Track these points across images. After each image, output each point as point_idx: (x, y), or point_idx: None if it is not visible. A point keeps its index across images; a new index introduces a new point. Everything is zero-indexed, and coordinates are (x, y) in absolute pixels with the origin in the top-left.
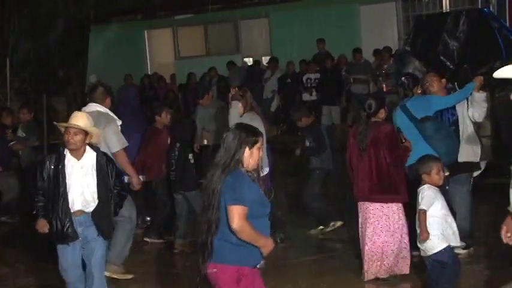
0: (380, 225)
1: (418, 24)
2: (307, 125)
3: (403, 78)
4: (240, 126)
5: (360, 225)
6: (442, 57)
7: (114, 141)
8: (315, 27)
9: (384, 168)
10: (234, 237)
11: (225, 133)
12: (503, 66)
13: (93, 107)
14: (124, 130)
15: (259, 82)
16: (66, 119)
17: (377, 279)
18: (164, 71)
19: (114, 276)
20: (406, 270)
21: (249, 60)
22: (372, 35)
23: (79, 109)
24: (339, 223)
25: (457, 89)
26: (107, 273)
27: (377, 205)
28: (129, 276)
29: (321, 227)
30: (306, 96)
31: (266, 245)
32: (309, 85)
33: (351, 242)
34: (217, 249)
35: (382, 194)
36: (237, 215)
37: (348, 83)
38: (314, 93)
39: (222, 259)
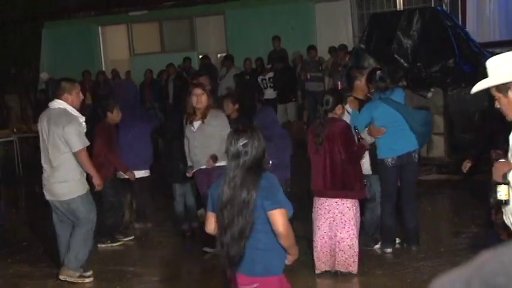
0: (335, 221)
1: (373, 22)
2: (232, 114)
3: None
4: (251, 126)
5: (315, 220)
6: (396, 55)
7: (75, 141)
8: (270, 25)
9: (338, 165)
10: (275, 243)
11: (235, 136)
12: (456, 65)
13: (57, 104)
14: (121, 127)
15: (213, 80)
16: (19, 115)
17: (331, 272)
18: (119, 68)
19: (69, 280)
20: (354, 268)
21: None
22: (326, 32)
23: (31, 106)
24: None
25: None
26: (61, 277)
27: (332, 201)
28: (87, 280)
29: None
30: (268, 93)
31: (296, 249)
32: (265, 85)
33: (304, 238)
34: (254, 260)
35: (336, 190)
36: (283, 218)
37: (303, 80)
38: (272, 90)
39: (264, 271)
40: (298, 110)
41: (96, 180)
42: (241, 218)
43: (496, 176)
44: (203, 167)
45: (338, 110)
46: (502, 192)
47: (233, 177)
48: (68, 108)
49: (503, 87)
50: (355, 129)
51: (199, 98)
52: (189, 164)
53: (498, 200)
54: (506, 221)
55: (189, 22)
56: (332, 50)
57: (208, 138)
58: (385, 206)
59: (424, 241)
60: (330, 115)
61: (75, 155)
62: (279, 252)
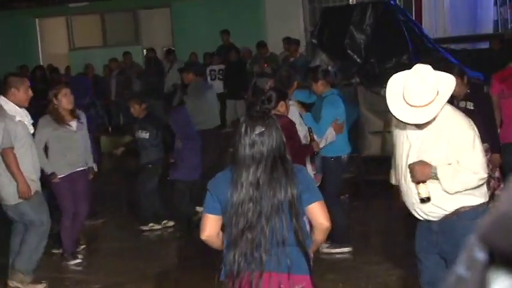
0: None
1: (325, 17)
2: (140, 114)
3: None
4: (266, 112)
5: None
6: (349, 51)
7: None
8: (218, 18)
9: None
10: (310, 241)
11: (250, 124)
12: (410, 61)
13: None
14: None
15: (159, 75)
16: None
17: None
18: (58, 63)
19: (20, 286)
20: None
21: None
22: (277, 26)
23: None
24: (170, 223)
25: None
26: (11, 284)
27: None
28: (39, 286)
29: (151, 223)
30: (214, 86)
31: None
32: (213, 77)
33: None
34: (296, 260)
35: None
36: (325, 210)
37: (253, 76)
38: (221, 84)
39: (305, 269)
40: (248, 108)
41: (22, 188)
42: (277, 222)
43: (420, 176)
44: (82, 168)
45: (281, 107)
46: (423, 191)
47: (253, 173)
48: (4, 105)
49: None
50: (309, 131)
51: (69, 98)
52: (50, 170)
53: (421, 198)
54: (418, 216)
55: (133, 15)
56: (286, 41)
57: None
58: (338, 206)
59: (380, 244)
60: (273, 112)
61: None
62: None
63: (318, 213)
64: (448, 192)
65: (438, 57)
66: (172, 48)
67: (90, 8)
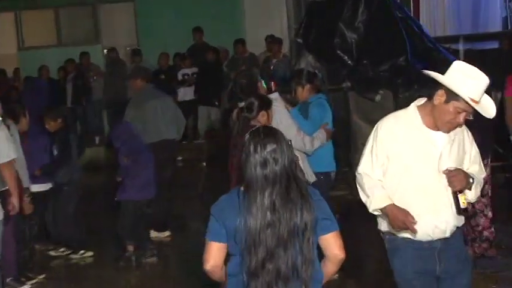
0: None
1: (311, 12)
2: (55, 130)
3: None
4: (272, 127)
5: None
6: (338, 52)
7: None
8: (190, 14)
9: None
10: (321, 273)
11: (260, 140)
12: (407, 63)
13: None
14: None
15: (122, 78)
16: None
17: None
18: (5, 64)
19: None
20: None
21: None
22: (257, 23)
23: None
24: (89, 253)
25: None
26: None
27: None
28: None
29: (67, 251)
30: (181, 95)
31: None
32: (187, 82)
33: None
34: None
35: None
36: (341, 241)
37: (229, 80)
38: (192, 90)
39: None
40: (224, 116)
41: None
42: (290, 251)
43: (460, 185)
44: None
45: (262, 116)
46: (463, 200)
47: (269, 196)
48: None
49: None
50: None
51: None
52: None
53: (463, 208)
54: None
55: (92, 10)
56: (269, 39)
57: None
58: None
59: (373, 272)
60: (252, 122)
61: None
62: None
63: (334, 243)
64: (470, 202)
65: (439, 58)
66: (138, 48)
67: (42, 1)
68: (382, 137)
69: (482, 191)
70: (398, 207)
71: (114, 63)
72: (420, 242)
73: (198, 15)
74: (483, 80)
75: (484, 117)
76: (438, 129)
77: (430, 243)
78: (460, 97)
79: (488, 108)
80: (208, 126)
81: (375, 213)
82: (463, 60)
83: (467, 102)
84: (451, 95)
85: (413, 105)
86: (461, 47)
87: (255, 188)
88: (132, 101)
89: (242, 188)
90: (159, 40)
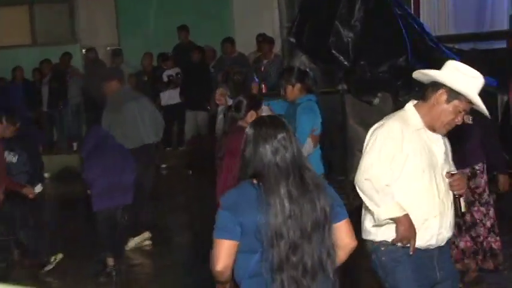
0: None
1: (304, 10)
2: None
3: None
4: (276, 115)
5: None
6: (334, 51)
7: None
8: (175, 12)
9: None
10: None
11: (270, 129)
12: (408, 63)
13: None
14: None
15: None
16: None
17: None
18: None
19: None
20: None
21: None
22: (247, 21)
23: None
24: (59, 255)
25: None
26: None
27: None
28: None
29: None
30: (165, 99)
31: None
32: (173, 84)
33: None
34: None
35: None
36: (352, 229)
37: (217, 82)
38: (177, 92)
39: None
40: (211, 121)
41: None
42: (314, 244)
43: (462, 188)
44: None
45: (250, 117)
46: (464, 204)
47: (285, 185)
48: None
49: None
50: None
51: None
52: None
53: (463, 212)
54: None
55: (69, 6)
56: (260, 38)
57: None
58: None
59: None
60: (240, 123)
61: None
62: None
63: (345, 231)
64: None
65: (442, 59)
66: (119, 48)
67: None
68: (389, 140)
69: (480, 199)
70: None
71: (93, 64)
72: (419, 251)
73: (183, 13)
74: (480, 78)
75: (484, 121)
76: (434, 131)
77: (429, 251)
78: (462, 96)
79: (484, 108)
80: (195, 132)
81: (382, 222)
82: (468, 61)
83: (469, 102)
84: (453, 95)
85: (411, 106)
86: (463, 46)
87: (270, 179)
88: (109, 104)
89: (255, 181)
90: (142, 39)
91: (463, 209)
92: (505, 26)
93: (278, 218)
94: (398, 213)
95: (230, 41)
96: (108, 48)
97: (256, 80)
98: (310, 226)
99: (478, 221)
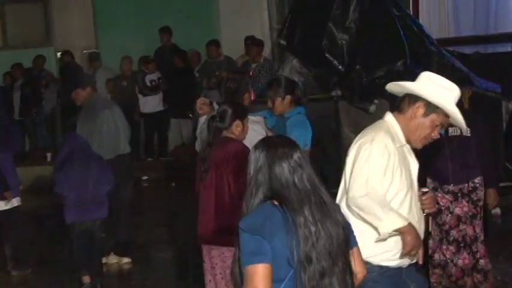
0: (227, 277)
1: (296, 11)
2: None
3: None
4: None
5: (205, 275)
6: (327, 55)
7: None
8: (157, 13)
9: (225, 200)
10: None
11: (286, 149)
12: (406, 68)
13: None
14: None
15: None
16: None
17: None
18: None
19: None
20: None
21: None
22: (234, 23)
23: None
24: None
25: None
26: None
27: (223, 249)
28: None
29: None
30: (146, 105)
31: None
32: (156, 89)
33: None
34: None
35: (221, 235)
36: (362, 257)
37: (202, 87)
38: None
39: None
40: (196, 130)
41: None
42: (340, 269)
43: (431, 207)
44: None
45: (236, 127)
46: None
47: (308, 208)
48: None
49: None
50: None
51: None
52: None
53: (430, 231)
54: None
55: (43, 6)
56: (248, 40)
57: None
58: None
59: None
60: (225, 133)
61: None
62: None
63: (358, 259)
64: None
65: (443, 63)
66: (97, 51)
67: None
68: (383, 156)
69: (481, 213)
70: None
71: (69, 69)
72: (391, 270)
73: (166, 14)
74: (457, 90)
75: (479, 131)
76: (410, 144)
77: (398, 269)
78: (440, 110)
79: (463, 121)
80: (179, 141)
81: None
82: (471, 65)
83: (446, 115)
84: (431, 108)
85: (392, 118)
86: (465, 50)
87: (292, 200)
88: (84, 113)
89: (275, 202)
90: (121, 42)
91: (430, 228)
92: (510, 29)
93: (307, 241)
94: (403, 223)
95: (215, 43)
96: (85, 51)
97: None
98: (336, 250)
99: (479, 236)
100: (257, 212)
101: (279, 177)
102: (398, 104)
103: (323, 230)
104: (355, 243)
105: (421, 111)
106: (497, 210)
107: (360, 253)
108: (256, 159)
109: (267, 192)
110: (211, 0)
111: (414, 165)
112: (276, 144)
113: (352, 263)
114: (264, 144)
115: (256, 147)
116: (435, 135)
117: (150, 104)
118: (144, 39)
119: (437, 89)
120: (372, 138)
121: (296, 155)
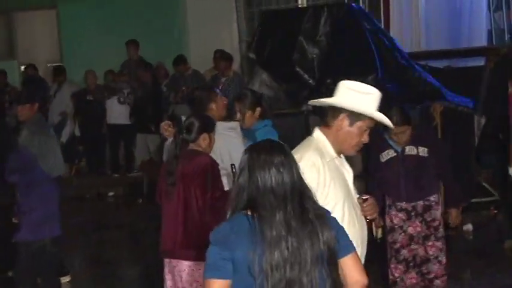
0: None
1: (265, 24)
2: None
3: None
4: (275, 140)
5: None
6: (298, 69)
7: None
8: (123, 26)
9: (194, 215)
10: None
11: (267, 155)
12: (377, 82)
13: None
14: None
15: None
16: None
17: None
18: None
19: None
20: None
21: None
22: (202, 36)
23: None
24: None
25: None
26: None
27: (186, 264)
28: None
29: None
30: (113, 116)
31: None
32: (123, 101)
33: None
34: None
35: (189, 249)
36: (361, 263)
37: (170, 102)
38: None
39: None
40: (162, 144)
41: None
42: (315, 281)
43: (373, 212)
44: None
45: (203, 140)
46: (374, 229)
47: (283, 215)
48: None
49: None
50: (232, 169)
51: None
52: None
53: (378, 237)
54: None
55: (6, 18)
56: (217, 54)
57: None
58: None
59: None
60: (191, 146)
61: None
62: None
63: (354, 267)
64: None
65: (414, 77)
66: (62, 65)
67: None
68: (313, 174)
69: (436, 233)
70: None
71: (32, 83)
72: None
73: (132, 27)
74: (376, 92)
75: (439, 151)
76: (342, 154)
77: None
78: (364, 116)
79: (389, 121)
80: (146, 156)
81: None
82: (445, 80)
83: (371, 119)
84: (354, 117)
85: (319, 134)
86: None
87: (265, 208)
88: (30, 131)
89: (249, 212)
90: (86, 55)
91: (379, 235)
92: (482, 43)
93: (273, 250)
94: None
95: (182, 59)
96: (49, 64)
97: (218, 91)
98: (310, 261)
99: (432, 257)
100: (226, 223)
101: (256, 181)
102: (323, 118)
103: (296, 239)
104: (349, 251)
105: (346, 122)
106: (469, 226)
107: (355, 260)
108: (240, 163)
109: (244, 200)
110: (180, 13)
111: (348, 174)
112: (261, 148)
113: (348, 273)
114: (251, 147)
115: (244, 151)
116: (365, 139)
117: (118, 115)
118: (110, 52)
119: (356, 97)
120: (299, 157)
121: (278, 160)
